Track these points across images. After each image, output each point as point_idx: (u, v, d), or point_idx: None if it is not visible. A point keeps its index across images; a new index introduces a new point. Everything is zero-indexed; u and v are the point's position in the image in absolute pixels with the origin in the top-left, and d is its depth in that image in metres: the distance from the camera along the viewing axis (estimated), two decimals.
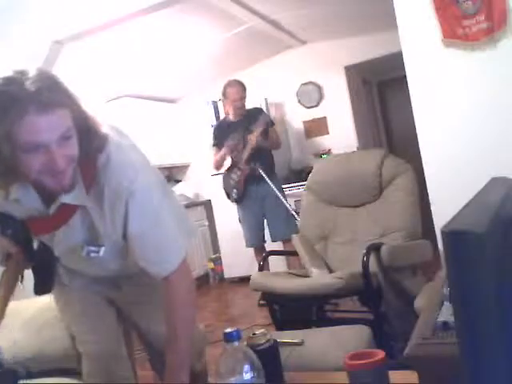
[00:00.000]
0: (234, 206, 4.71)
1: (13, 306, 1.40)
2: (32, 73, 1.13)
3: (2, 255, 1.46)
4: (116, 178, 1.26)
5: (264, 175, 3.95)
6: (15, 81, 1.10)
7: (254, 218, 4.10)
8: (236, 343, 1.03)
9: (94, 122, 1.24)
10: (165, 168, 5.79)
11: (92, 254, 1.37)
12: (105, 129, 1.28)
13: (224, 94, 4.08)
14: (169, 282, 1.38)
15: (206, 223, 5.82)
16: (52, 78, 1.16)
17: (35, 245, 1.43)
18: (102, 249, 1.36)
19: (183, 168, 6.22)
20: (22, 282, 1.47)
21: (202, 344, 1.73)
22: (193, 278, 1.49)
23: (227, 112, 4.26)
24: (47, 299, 1.61)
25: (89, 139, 1.21)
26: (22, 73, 1.12)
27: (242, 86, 4.07)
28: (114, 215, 1.29)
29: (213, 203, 5.63)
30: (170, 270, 1.37)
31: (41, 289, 1.50)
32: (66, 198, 1.26)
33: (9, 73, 1.13)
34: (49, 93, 1.10)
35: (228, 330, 1.04)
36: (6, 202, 1.30)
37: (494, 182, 0.91)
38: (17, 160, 1.13)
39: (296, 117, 5.66)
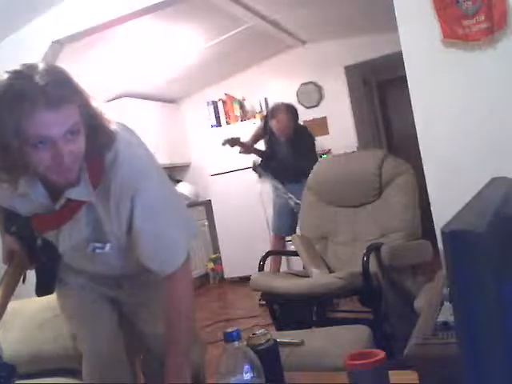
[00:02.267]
0: (233, 206, 4.73)
1: (12, 305, 1.40)
2: (41, 67, 1.12)
3: (5, 253, 1.46)
4: (123, 175, 1.26)
5: (262, 170, 4.19)
6: (24, 75, 1.10)
7: (280, 208, 4.21)
8: (236, 343, 1.03)
9: (102, 119, 1.23)
10: (165, 168, 5.78)
11: (97, 251, 1.37)
12: (113, 126, 1.27)
13: (272, 116, 4.10)
14: (171, 279, 1.38)
15: (206, 223, 5.82)
16: (61, 72, 1.16)
17: (39, 245, 1.43)
18: (108, 245, 1.36)
19: (183, 168, 6.22)
20: (24, 282, 1.47)
21: (204, 354, 1.72)
22: (192, 277, 1.50)
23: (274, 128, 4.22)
24: (46, 299, 1.61)
25: (97, 136, 1.21)
26: (31, 67, 1.12)
27: (291, 114, 4.11)
28: (119, 212, 1.29)
29: (213, 203, 5.63)
30: (173, 269, 1.37)
31: (42, 290, 1.50)
32: (72, 193, 1.26)
33: (17, 66, 1.13)
34: (58, 88, 1.10)
35: (228, 329, 1.04)
36: (13, 198, 1.30)
37: (494, 181, 0.90)
38: (24, 154, 1.14)
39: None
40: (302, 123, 5.61)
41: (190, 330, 1.42)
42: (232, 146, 4.31)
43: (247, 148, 4.34)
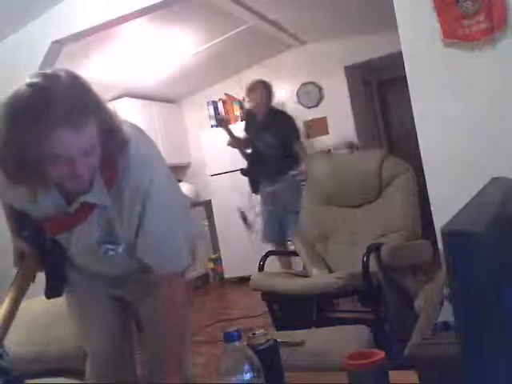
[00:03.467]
0: (233, 206, 4.74)
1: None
2: (63, 79, 1.10)
3: (16, 256, 1.46)
4: (136, 177, 1.27)
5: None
6: (45, 89, 1.08)
7: (267, 215, 4.18)
8: (236, 343, 1.04)
9: (117, 122, 1.23)
10: None
11: (110, 252, 1.37)
12: (126, 127, 1.27)
13: (250, 90, 4.13)
14: (170, 280, 1.38)
15: (206, 223, 5.82)
16: (82, 84, 1.14)
17: (48, 247, 1.43)
18: (120, 247, 1.37)
19: (183, 168, 6.22)
20: (33, 281, 1.48)
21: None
22: (191, 284, 1.50)
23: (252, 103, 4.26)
24: (53, 300, 1.61)
25: (111, 140, 1.21)
26: (52, 79, 1.10)
27: (264, 89, 4.11)
28: (131, 213, 1.30)
29: (213, 203, 5.64)
30: (173, 268, 1.38)
31: (52, 292, 1.51)
32: (87, 197, 1.27)
33: (36, 77, 1.10)
34: (79, 107, 1.09)
35: (228, 329, 1.04)
36: (26, 200, 1.30)
37: (494, 182, 0.90)
38: (40, 167, 1.13)
39: (296, 117, 5.66)
40: (301, 122, 5.66)
41: (183, 331, 1.41)
42: (220, 126, 4.33)
43: (234, 138, 4.31)
